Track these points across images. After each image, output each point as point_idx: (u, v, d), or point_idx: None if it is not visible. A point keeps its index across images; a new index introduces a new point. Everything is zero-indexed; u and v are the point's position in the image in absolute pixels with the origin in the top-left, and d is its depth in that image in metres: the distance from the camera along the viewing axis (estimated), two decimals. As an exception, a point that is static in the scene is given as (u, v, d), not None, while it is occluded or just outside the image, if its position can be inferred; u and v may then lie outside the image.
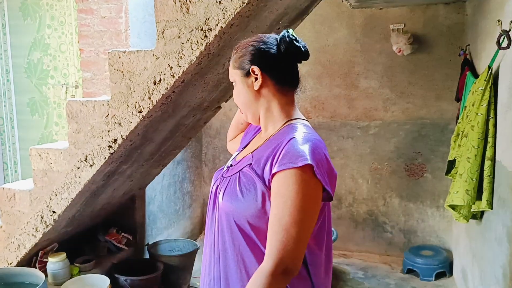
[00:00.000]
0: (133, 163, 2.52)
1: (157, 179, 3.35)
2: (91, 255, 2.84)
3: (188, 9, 1.88)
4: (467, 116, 2.49)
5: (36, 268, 2.46)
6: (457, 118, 3.02)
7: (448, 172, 2.86)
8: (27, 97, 4.03)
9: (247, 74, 1.27)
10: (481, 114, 2.29)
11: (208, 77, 2.23)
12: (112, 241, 2.98)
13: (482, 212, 2.51)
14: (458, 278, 3.34)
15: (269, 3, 1.97)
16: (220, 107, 2.86)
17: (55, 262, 2.49)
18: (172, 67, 1.94)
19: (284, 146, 1.15)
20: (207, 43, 1.86)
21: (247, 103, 1.30)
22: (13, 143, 4.14)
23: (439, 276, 3.51)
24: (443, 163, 3.63)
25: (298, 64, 1.31)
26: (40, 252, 2.55)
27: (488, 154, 2.28)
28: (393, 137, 3.88)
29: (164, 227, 3.72)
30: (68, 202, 2.29)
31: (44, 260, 2.54)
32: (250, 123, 1.50)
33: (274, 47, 1.26)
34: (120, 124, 2.10)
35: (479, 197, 2.38)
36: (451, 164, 2.81)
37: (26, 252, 2.46)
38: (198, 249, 3.23)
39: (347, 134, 4.01)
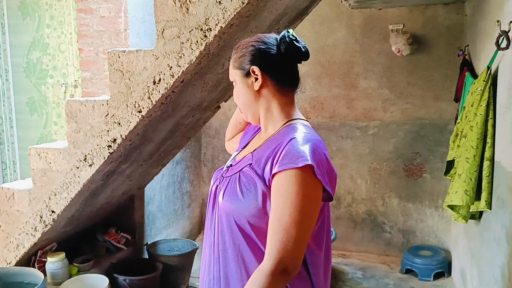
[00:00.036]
0: (132, 163, 2.52)
1: (156, 179, 3.35)
2: (90, 255, 2.84)
3: (187, 9, 1.88)
4: (466, 116, 2.50)
5: (35, 267, 2.46)
6: (456, 119, 3.02)
7: (447, 172, 2.87)
8: (26, 97, 4.03)
9: (247, 74, 1.27)
10: (480, 114, 2.30)
11: (207, 77, 2.23)
12: (111, 241, 2.98)
13: (481, 213, 2.52)
14: (456, 278, 3.35)
15: (269, 3, 1.97)
16: (219, 107, 2.86)
17: (54, 262, 2.49)
18: (171, 67, 1.94)
19: (285, 146, 1.15)
20: (206, 43, 1.86)
21: (247, 103, 1.30)
22: (12, 143, 4.13)
23: (437, 276, 3.52)
24: (442, 163, 3.63)
25: (298, 64, 1.32)
26: (39, 251, 2.55)
27: (487, 154, 2.28)
28: (392, 137, 3.89)
29: (163, 227, 3.72)
30: (67, 201, 2.29)
31: (43, 259, 2.54)
32: (249, 123, 1.50)
33: (274, 47, 1.26)
34: (119, 123, 2.10)
35: (478, 197, 2.38)
36: (450, 164, 2.82)
37: (25, 252, 2.45)
38: (197, 249, 3.23)
39: (346, 134, 4.01)
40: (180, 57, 1.91)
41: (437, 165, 3.75)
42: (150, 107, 2.02)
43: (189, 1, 1.87)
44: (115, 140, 2.13)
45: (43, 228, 2.37)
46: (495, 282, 2.20)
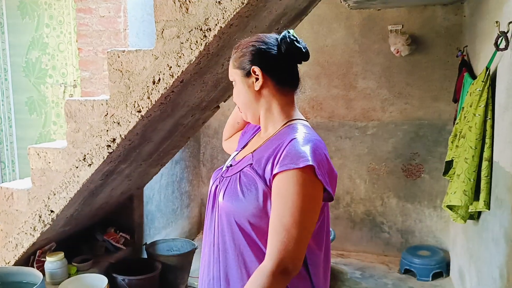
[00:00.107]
0: (131, 162, 2.52)
1: (155, 179, 3.35)
2: (89, 255, 2.83)
3: (187, 9, 1.88)
4: (465, 117, 2.51)
5: (34, 267, 2.46)
6: (455, 119, 3.03)
7: (445, 172, 2.87)
8: (25, 96, 4.03)
9: (248, 74, 1.27)
10: (479, 115, 2.30)
11: (207, 77, 2.23)
12: (110, 240, 2.98)
13: (479, 213, 2.53)
14: (455, 278, 3.35)
15: (269, 3, 1.98)
16: (218, 107, 2.86)
17: (53, 262, 2.49)
18: (171, 67, 1.94)
19: (285, 146, 1.16)
20: (206, 43, 1.87)
21: (247, 103, 1.30)
22: (11, 142, 4.13)
23: (436, 276, 3.52)
24: (440, 163, 3.64)
25: (297, 65, 1.32)
26: (38, 251, 2.55)
27: (486, 154, 2.29)
28: (391, 137, 3.89)
29: (162, 227, 3.72)
30: (67, 201, 2.29)
31: (42, 259, 2.54)
32: (247, 122, 1.50)
33: (275, 48, 1.26)
34: (119, 123, 2.10)
35: (476, 197, 2.38)
36: (449, 164, 2.82)
37: (24, 252, 2.45)
38: (196, 248, 3.24)
39: (345, 134, 4.01)
40: (180, 57, 1.91)
41: (436, 165, 3.76)
42: (150, 107, 2.02)
43: (189, 1, 1.87)
44: (114, 139, 2.13)
45: (42, 227, 2.37)
46: (493, 282, 2.20)
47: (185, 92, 2.17)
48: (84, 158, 2.20)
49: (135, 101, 2.04)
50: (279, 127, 1.28)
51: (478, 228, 2.58)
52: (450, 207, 2.55)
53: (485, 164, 2.29)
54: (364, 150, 3.98)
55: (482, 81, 2.31)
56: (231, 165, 1.33)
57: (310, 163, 1.10)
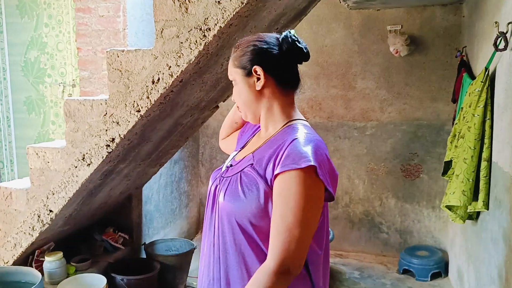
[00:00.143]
0: (130, 162, 2.52)
1: (154, 179, 3.34)
2: (87, 255, 2.83)
3: (187, 9, 1.88)
4: (464, 117, 2.51)
5: (32, 267, 2.45)
6: (454, 119, 3.03)
7: (444, 173, 2.88)
8: (24, 96, 4.02)
9: (249, 73, 1.26)
10: (478, 115, 2.31)
11: (206, 77, 2.23)
12: (108, 240, 2.97)
13: (478, 213, 2.53)
14: (453, 278, 3.36)
15: (268, 3, 1.98)
16: (217, 106, 2.86)
17: (52, 261, 2.48)
18: (170, 67, 1.94)
19: (287, 147, 1.16)
20: (206, 42, 1.86)
21: (247, 102, 1.30)
22: (9, 142, 4.12)
23: (434, 276, 3.53)
24: (439, 164, 3.64)
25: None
26: (37, 251, 2.55)
27: (485, 155, 2.29)
28: (390, 138, 3.90)
29: (160, 227, 3.72)
30: (65, 201, 2.29)
31: (41, 259, 2.53)
32: (245, 122, 1.50)
33: (276, 47, 1.26)
34: (118, 123, 2.10)
35: (475, 198, 2.39)
36: (448, 165, 2.83)
37: (22, 251, 2.45)
38: (194, 248, 3.23)
39: (343, 134, 4.02)
40: (179, 56, 1.91)
41: (434, 166, 3.76)
42: (149, 107, 2.02)
43: (188, 0, 1.87)
44: (113, 139, 2.13)
45: (40, 227, 2.37)
46: (492, 282, 2.21)
47: (184, 91, 2.17)
48: (83, 158, 2.20)
49: (134, 101, 2.04)
50: (279, 127, 1.28)
51: (477, 228, 2.58)
52: (449, 207, 2.55)
53: (484, 164, 2.29)
54: (363, 150, 3.98)
55: (481, 82, 2.31)
56: (231, 165, 1.33)
57: (312, 163, 1.11)
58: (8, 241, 2.46)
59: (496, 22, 2.24)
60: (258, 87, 1.26)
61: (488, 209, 2.29)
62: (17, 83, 4.01)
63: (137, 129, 2.14)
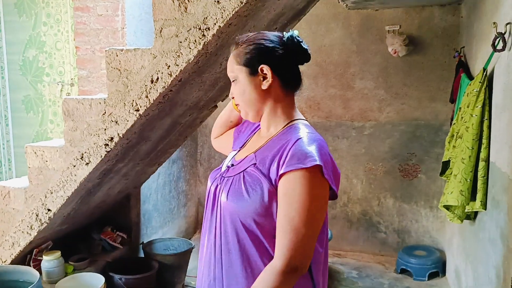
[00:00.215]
0: (129, 161, 2.52)
1: (152, 178, 3.34)
2: (85, 254, 2.83)
3: (186, 8, 1.88)
4: (462, 117, 2.52)
5: (30, 266, 2.45)
6: (452, 120, 3.04)
7: (442, 173, 2.89)
8: (22, 95, 4.02)
9: (255, 72, 1.25)
10: (476, 115, 2.31)
11: (205, 76, 2.23)
12: (106, 239, 2.97)
13: (476, 213, 2.54)
14: (451, 278, 3.37)
15: (267, 3, 1.98)
16: (216, 106, 2.86)
17: (50, 260, 2.48)
18: (169, 66, 1.94)
19: (291, 146, 1.16)
20: (205, 42, 1.86)
21: (251, 101, 1.28)
22: (7, 141, 4.12)
23: (432, 276, 3.54)
24: (437, 164, 3.65)
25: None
26: (35, 250, 2.54)
27: (482, 155, 2.30)
28: (388, 137, 3.90)
29: (159, 226, 3.72)
30: (64, 200, 2.28)
31: (39, 258, 2.53)
32: (240, 121, 1.50)
33: (280, 47, 1.25)
34: (116, 122, 2.10)
35: (473, 197, 2.40)
36: (446, 165, 2.83)
37: (20, 250, 2.44)
38: (193, 248, 3.23)
39: (342, 134, 4.02)
40: (178, 56, 1.91)
41: (432, 166, 3.77)
42: (148, 106, 2.02)
43: (188, 0, 1.87)
44: (112, 138, 2.12)
45: (38, 226, 2.37)
46: (489, 282, 2.21)
47: (183, 91, 2.17)
48: (82, 157, 2.20)
49: (133, 100, 2.04)
50: (281, 127, 1.28)
51: (475, 228, 2.59)
52: (447, 207, 2.56)
53: (481, 164, 2.30)
54: (361, 150, 3.99)
55: (479, 82, 2.32)
56: (232, 165, 1.32)
57: (318, 162, 1.11)
58: (6, 240, 2.46)
59: (494, 23, 2.24)
60: (265, 87, 1.25)
61: (485, 209, 2.30)
62: (15, 82, 4.00)
63: (136, 128, 2.14)
